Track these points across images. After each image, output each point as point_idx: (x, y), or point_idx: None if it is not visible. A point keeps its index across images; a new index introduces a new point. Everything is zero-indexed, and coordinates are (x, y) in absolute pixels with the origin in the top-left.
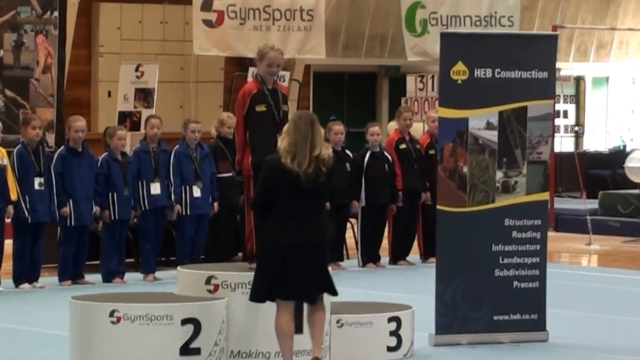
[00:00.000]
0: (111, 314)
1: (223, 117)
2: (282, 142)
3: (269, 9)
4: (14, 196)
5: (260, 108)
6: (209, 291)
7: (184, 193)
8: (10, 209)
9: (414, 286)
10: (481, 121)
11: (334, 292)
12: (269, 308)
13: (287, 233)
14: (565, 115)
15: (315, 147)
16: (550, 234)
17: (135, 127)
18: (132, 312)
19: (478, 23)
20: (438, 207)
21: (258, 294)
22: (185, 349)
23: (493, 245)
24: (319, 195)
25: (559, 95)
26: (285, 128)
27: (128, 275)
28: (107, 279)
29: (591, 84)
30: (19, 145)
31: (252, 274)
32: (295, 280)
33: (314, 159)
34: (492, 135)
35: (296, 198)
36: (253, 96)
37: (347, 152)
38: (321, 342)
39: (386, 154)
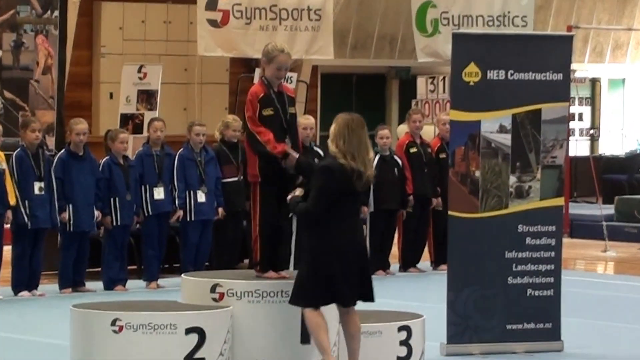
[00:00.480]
0: (113, 323)
1: (228, 120)
2: (336, 143)
3: (275, 9)
4: (12, 201)
5: (268, 112)
6: (214, 299)
7: (188, 198)
8: (9, 214)
9: (424, 294)
10: (494, 124)
11: (372, 298)
12: (277, 316)
13: (342, 236)
14: (581, 118)
15: (369, 150)
16: (565, 240)
17: (137, 130)
18: (135, 320)
19: (491, 23)
20: (449, 212)
21: (316, 300)
22: (189, 359)
23: (506, 252)
24: (362, 198)
25: (574, 98)
26: (334, 130)
27: (130, 283)
28: (109, 286)
29: (607, 85)
30: (19, 149)
31: (259, 281)
32: (339, 284)
33: (370, 162)
34: (505, 139)
35: (348, 200)
36: (260, 99)
37: (396, 157)
38: (358, 354)
39: (396, 157)
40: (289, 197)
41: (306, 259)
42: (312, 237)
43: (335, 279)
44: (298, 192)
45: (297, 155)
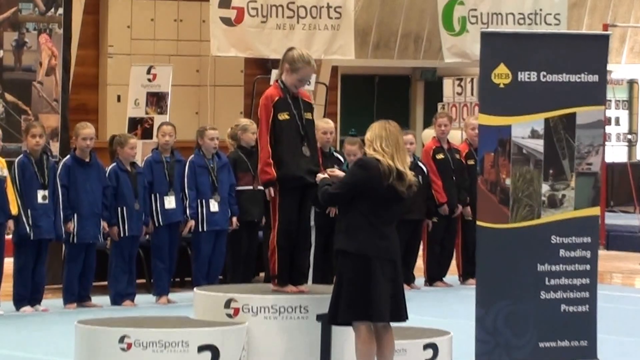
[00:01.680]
0: (121, 340)
1: (246, 124)
2: (374, 146)
3: (293, 6)
4: (14, 210)
5: (284, 116)
6: (228, 315)
7: (200, 207)
8: (11, 224)
9: (451, 310)
10: (525, 129)
11: (406, 317)
12: (296, 334)
13: (375, 244)
14: (618, 122)
15: (407, 155)
16: (601, 252)
17: (146, 134)
18: (144, 337)
19: (522, 21)
20: (478, 223)
21: (380, 313)
22: None
23: (539, 265)
24: (403, 205)
25: (611, 101)
26: (370, 136)
27: (139, 298)
28: (116, 301)
29: None
30: (21, 155)
31: (276, 296)
32: (377, 297)
33: (408, 166)
34: (538, 145)
35: (386, 207)
36: (275, 103)
37: (420, 164)
38: None
39: (420, 164)
40: (320, 177)
41: (345, 273)
42: (348, 241)
43: (377, 290)
44: (328, 172)
45: (271, 193)
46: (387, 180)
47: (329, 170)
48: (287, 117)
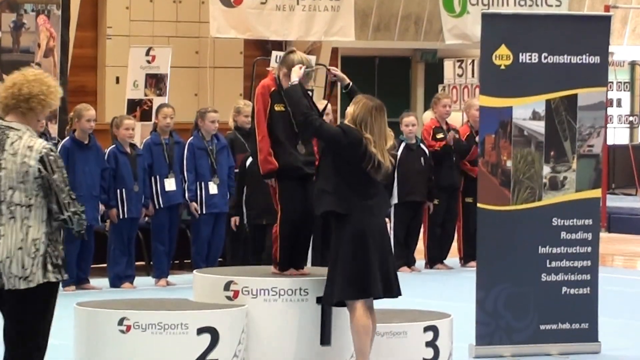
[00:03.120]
0: (120, 322)
1: (240, 105)
2: (357, 126)
3: None
4: None
5: (280, 107)
6: (228, 298)
7: (199, 190)
8: None
9: (452, 292)
10: (526, 111)
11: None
12: (296, 316)
13: (362, 204)
14: (619, 104)
15: (388, 140)
16: (603, 235)
17: (145, 116)
18: (143, 320)
19: (523, 2)
20: (479, 205)
21: (372, 290)
22: None
23: (540, 248)
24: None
25: (612, 82)
26: (354, 112)
27: (138, 280)
28: (115, 283)
29: None
30: None
31: (276, 278)
32: (373, 272)
33: (387, 153)
34: (539, 126)
35: (364, 174)
36: (272, 93)
37: (422, 146)
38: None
39: (422, 146)
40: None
41: (340, 247)
42: (345, 222)
43: (373, 265)
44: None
45: (273, 184)
46: (365, 163)
47: (328, 68)
48: (282, 108)
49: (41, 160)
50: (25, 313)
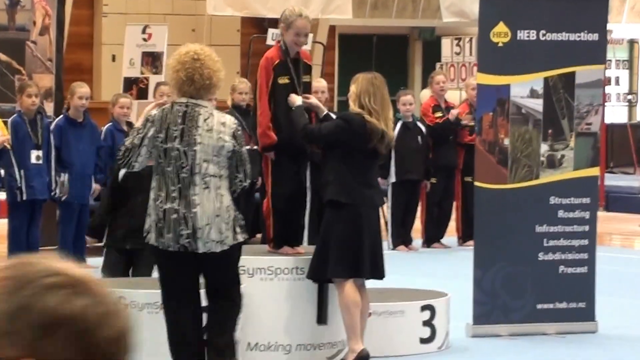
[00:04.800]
0: None
1: (234, 84)
2: (360, 102)
3: None
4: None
5: (283, 80)
6: None
7: None
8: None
9: (449, 271)
10: (524, 88)
11: (384, 275)
12: (292, 295)
13: (362, 193)
14: (617, 82)
15: (391, 110)
16: (600, 213)
17: (142, 94)
18: (140, 299)
19: None
20: (476, 183)
21: (360, 269)
22: None
23: (537, 226)
24: (379, 160)
25: (611, 60)
26: (357, 89)
27: None
28: None
29: None
30: (15, 115)
31: (272, 257)
32: (363, 250)
33: (391, 123)
34: (537, 104)
35: (367, 160)
36: (276, 66)
37: (419, 125)
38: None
39: (419, 125)
40: (294, 101)
41: (335, 225)
42: (345, 191)
43: (365, 247)
44: (304, 98)
45: (272, 157)
46: (372, 142)
47: (304, 95)
48: (286, 80)
49: (233, 136)
50: (221, 272)
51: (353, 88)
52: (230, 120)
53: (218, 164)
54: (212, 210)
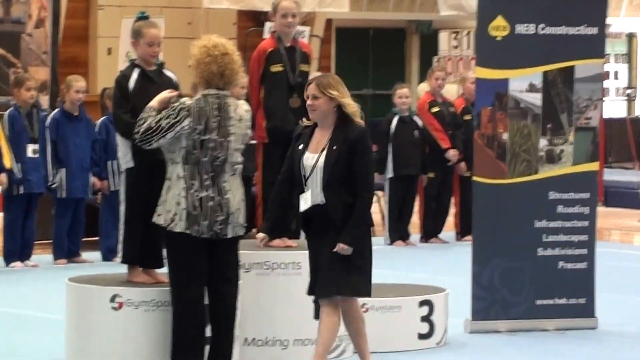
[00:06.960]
0: (112, 299)
1: None
2: (342, 90)
3: None
4: (7, 164)
5: (276, 68)
6: None
7: None
8: (4, 177)
9: (447, 267)
10: (523, 83)
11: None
12: (288, 290)
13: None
14: (617, 76)
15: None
16: (600, 209)
17: None
18: (136, 297)
19: None
20: (474, 178)
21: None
22: None
23: (536, 222)
24: None
25: (610, 54)
26: (330, 83)
27: None
28: (107, 257)
29: None
30: (11, 108)
31: (269, 252)
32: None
33: None
34: (535, 99)
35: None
36: (268, 55)
37: (415, 119)
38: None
39: (416, 119)
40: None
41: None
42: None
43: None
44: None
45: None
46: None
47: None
48: (280, 68)
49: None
50: (232, 255)
51: (325, 82)
52: (248, 108)
53: (241, 151)
54: (240, 196)
